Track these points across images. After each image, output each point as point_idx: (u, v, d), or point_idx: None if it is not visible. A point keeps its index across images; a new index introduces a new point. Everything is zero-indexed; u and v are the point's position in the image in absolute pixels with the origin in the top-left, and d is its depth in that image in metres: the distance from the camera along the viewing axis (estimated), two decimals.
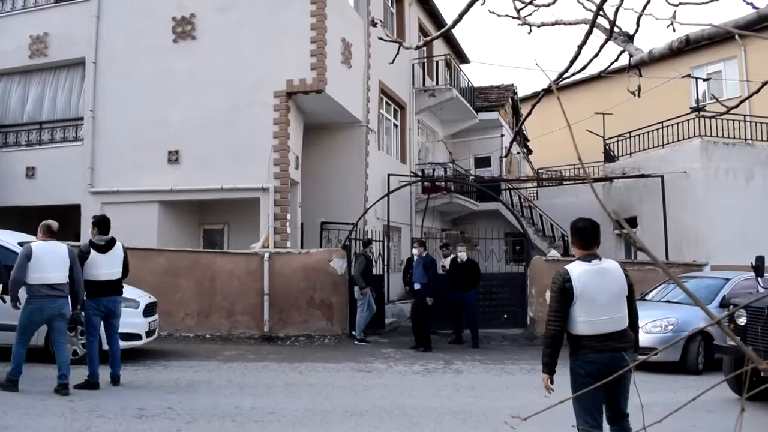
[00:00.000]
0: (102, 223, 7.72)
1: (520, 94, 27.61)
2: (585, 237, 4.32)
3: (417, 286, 11.39)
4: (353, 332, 11.94)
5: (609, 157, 20.14)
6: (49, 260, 6.97)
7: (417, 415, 6.57)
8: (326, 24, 13.33)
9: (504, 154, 20.86)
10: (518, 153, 26.57)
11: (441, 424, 6.26)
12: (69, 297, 7.14)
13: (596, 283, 4.17)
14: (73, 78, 15.79)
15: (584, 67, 2.41)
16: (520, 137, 28.17)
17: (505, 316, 13.09)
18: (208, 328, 12.01)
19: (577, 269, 4.21)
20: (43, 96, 16.07)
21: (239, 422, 6.12)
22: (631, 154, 18.76)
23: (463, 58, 25.33)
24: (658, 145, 17.44)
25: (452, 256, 12.73)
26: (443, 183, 18.75)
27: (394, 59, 3.42)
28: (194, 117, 13.62)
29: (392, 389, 7.98)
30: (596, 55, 2.37)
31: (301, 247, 14.00)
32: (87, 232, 14.16)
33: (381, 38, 3.77)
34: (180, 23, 14.16)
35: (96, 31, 14.97)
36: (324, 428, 6.03)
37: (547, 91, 2.96)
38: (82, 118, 15.10)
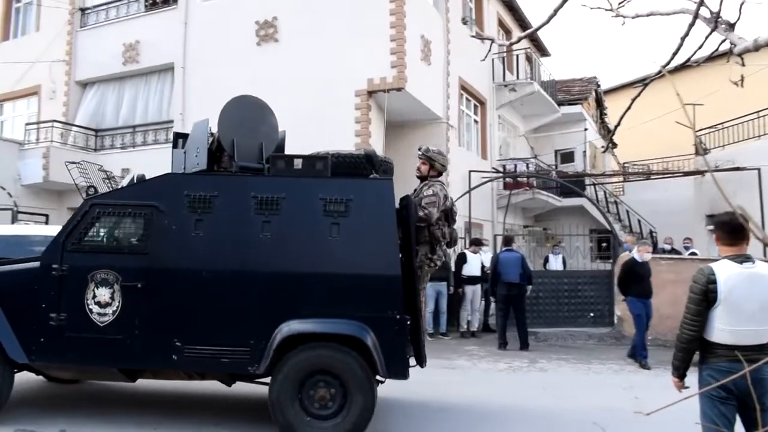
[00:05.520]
0: None
1: (603, 86, 26.86)
2: (732, 232, 3.72)
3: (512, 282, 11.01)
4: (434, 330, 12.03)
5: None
6: None
7: (502, 413, 6.53)
8: (405, 22, 13.36)
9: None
10: (602, 147, 25.85)
11: (527, 423, 6.19)
12: None
13: (746, 289, 3.65)
14: (164, 83, 16.49)
15: (689, 59, 2.33)
16: (605, 131, 27.41)
17: (591, 314, 12.77)
18: None
19: (724, 270, 3.68)
20: (136, 101, 16.86)
21: None
22: (724, 146, 17.94)
23: (543, 51, 24.86)
24: (754, 137, 16.61)
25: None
26: (525, 179, 18.47)
27: (486, 56, 3.41)
28: (277, 117, 13.90)
29: (476, 387, 7.95)
30: (701, 46, 2.28)
31: None
32: None
33: (474, 36, 3.75)
34: (263, 26, 14.53)
35: (184, 37, 15.57)
36: (405, 425, 6.07)
37: (642, 81, 2.88)
38: (172, 121, 15.72)
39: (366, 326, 5.13)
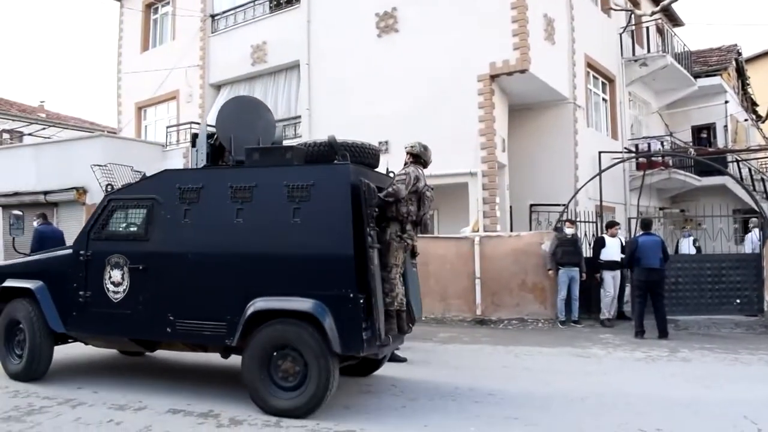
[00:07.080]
0: None
1: (745, 54, 24.93)
2: None
3: (652, 267, 10.36)
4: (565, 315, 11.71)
5: None
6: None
7: (642, 403, 6.24)
8: (527, 1, 13.05)
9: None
10: (746, 120, 24.02)
11: (670, 415, 5.88)
12: None
13: None
14: (290, 80, 17.10)
15: None
16: (748, 102, 25.48)
17: (737, 301, 11.93)
18: (423, 311, 12.33)
19: None
20: (265, 98, 17.53)
21: (459, 402, 6.26)
22: None
23: (676, 21, 23.43)
24: None
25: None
26: (660, 158, 17.52)
27: (625, 28, 3.24)
28: (400, 107, 14.03)
29: (613, 376, 7.66)
30: None
31: (511, 230, 13.88)
32: None
33: (611, 8, 3.59)
34: (383, 18, 14.69)
35: (308, 35, 16.07)
36: (544, 412, 5.96)
37: None
38: (299, 117, 16.27)
39: (323, 304, 5.42)
